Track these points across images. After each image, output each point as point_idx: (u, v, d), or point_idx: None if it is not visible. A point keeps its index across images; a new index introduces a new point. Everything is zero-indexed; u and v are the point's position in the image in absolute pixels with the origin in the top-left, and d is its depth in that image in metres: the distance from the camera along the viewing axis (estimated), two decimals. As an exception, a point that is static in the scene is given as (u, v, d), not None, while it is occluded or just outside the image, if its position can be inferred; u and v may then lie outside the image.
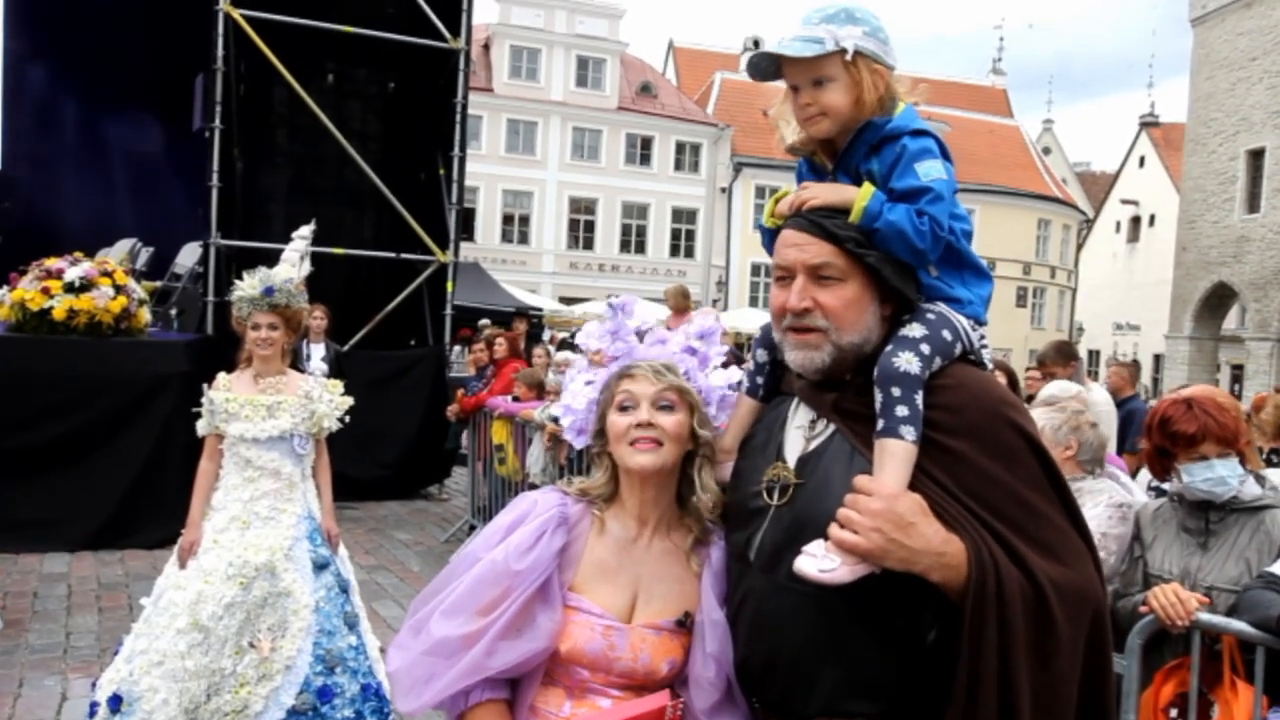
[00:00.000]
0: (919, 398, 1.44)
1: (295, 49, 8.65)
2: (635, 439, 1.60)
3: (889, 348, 1.48)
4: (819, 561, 1.38)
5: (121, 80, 11.02)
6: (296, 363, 6.24)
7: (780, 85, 1.61)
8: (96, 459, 6.71)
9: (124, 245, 9.60)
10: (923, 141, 1.51)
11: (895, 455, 1.41)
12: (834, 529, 1.37)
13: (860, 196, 1.48)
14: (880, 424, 1.43)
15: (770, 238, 1.60)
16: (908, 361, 1.44)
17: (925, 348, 1.46)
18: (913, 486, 1.40)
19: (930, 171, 1.48)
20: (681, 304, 7.99)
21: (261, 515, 3.52)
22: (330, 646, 3.43)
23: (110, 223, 10.44)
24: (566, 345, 12.86)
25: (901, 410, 1.42)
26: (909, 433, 1.41)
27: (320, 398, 3.68)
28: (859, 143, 1.55)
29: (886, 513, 1.34)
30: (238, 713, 3.28)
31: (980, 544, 1.36)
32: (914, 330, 1.49)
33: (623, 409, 1.63)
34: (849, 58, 1.50)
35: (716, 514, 1.67)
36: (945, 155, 1.53)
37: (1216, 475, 2.64)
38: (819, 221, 1.50)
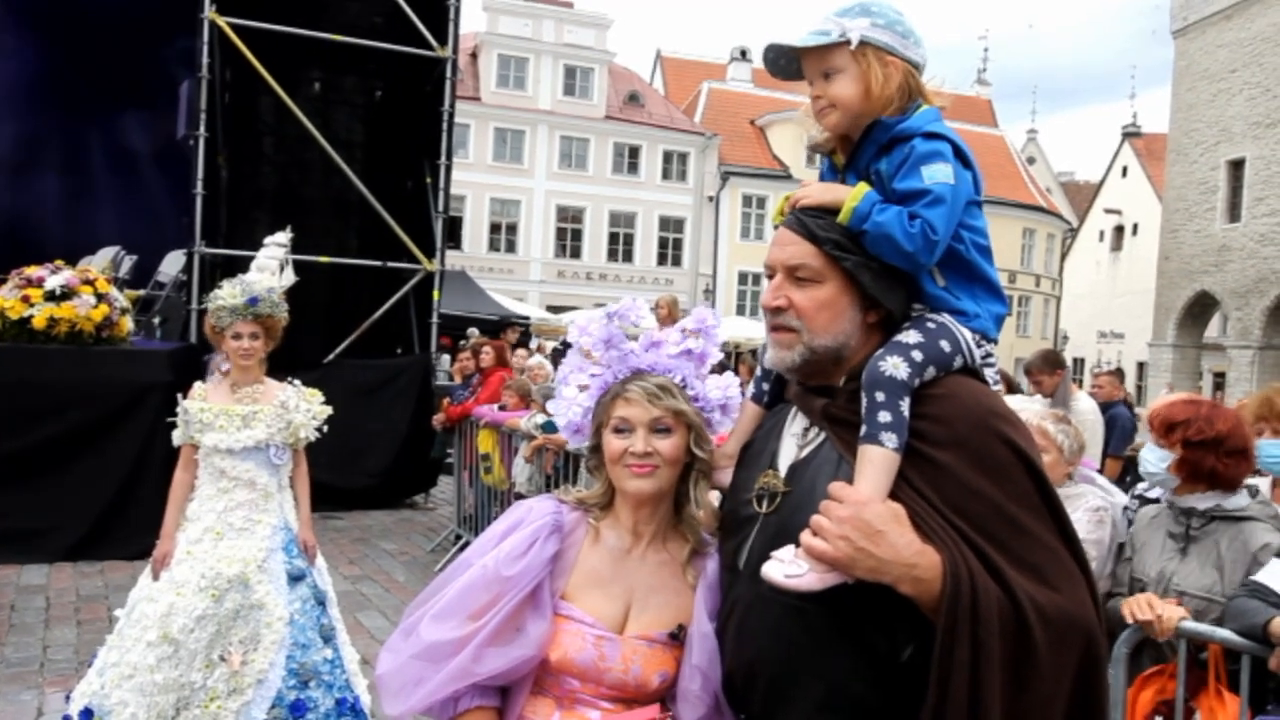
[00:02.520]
0: (904, 405, 1.39)
1: (281, 57, 8.61)
2: (631, 464, 1.59)
3: (879, 351, 1.44)
4: (785, 567, 1.34)
5: (106, 87, 10.94)
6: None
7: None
8: (77, 469, 6.62)
9: (107, 253, 9.51)
10: (934, 144, 1.45)
11: (874, 462, 1.36)
12: (804, 535, 1.34)
13: (850, 197, 1.45)
14: (862, 429, 1.39)
15: None
16: (894, 366, 1.40)
17: (917, 354, 1.42)
18: (894, 497, 1.35)
19: (936, 175, 1.42)
20: (674, 314, 7.99)
21: (236, 526, 3.46)
22: (304, 660, 3.36)
23: (93, 230, 10.36)
24: (554, 352, 12.85)
25: (884, 416, 1.37)
26: (890, 440, 1.36)
27: (297, 407, 3.63)
28: (868, 142, 1.51)
29: (854, 520, 1.30)
30: None
31: (957, 558, 1.30)
32: (908, 336, 1.45)
33: (618, 431, 1.61)
34: (854, 47, 1.47)
35: (714, 526, 1.65)
36: (964, 162, 1.48)
37: (1148, 456, 2.78)
38: (804, 221, 1.48)
